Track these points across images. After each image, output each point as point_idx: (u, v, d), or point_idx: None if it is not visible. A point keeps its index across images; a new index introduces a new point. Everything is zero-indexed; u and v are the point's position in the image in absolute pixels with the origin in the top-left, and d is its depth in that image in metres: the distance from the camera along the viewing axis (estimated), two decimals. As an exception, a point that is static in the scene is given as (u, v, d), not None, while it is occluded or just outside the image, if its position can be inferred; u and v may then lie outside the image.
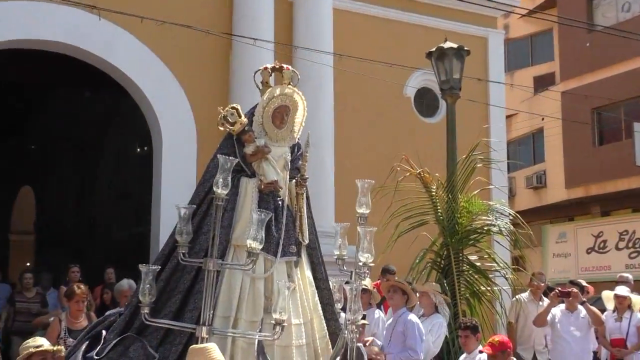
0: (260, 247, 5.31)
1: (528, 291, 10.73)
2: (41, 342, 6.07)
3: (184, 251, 5.58)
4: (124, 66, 12.40)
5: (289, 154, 6.51)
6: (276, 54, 12.14)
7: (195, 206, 6.01)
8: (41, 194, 21.82)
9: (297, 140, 6.63)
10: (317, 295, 6.44)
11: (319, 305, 6.41)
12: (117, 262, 14.83)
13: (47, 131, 19.67)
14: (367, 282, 8.51)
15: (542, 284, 10.87)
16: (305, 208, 6.48)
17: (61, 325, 8.19)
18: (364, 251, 5.66)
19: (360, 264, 5.70)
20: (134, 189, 16.31)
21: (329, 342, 6.29)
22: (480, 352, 7.61)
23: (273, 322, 5.21)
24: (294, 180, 6.48)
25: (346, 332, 5.51)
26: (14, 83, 15.94)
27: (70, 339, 7.96)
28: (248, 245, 5.28)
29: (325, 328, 6.38)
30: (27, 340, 6.17)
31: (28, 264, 20.40)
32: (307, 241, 6.45)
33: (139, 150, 17.53)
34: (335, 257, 6.05)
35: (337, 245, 6.04)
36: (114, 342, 5.86)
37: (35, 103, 18.93)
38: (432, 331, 8.38)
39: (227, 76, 12.80)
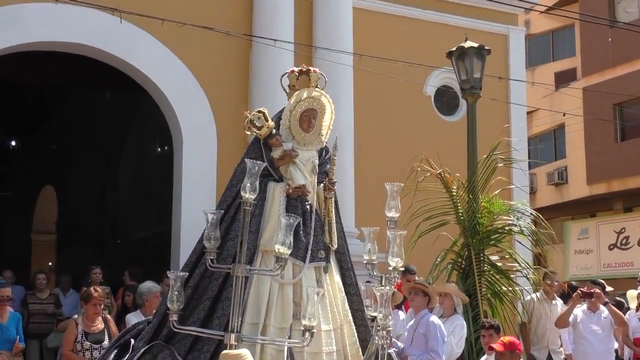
0: (289, 252, 5.26)
1: (541, 290, 10.66)
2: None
3: (212, 257, 5.50)
4: (145, 68, 12.43)
5: (317, 158, 6.42)
6: (296, 54, 12.15)
7: (223, 211, 5.92)
8: (63, 194, 21.93)
9: (325, 144, 6.55)
10: (347, 301, 6.34)
11: (349, 311, 6.31)
12: (139, 261, 14.93)
13: (69, 131, 19.79)
14: None
15: (556, 283, 10.80)
16: (334, 213, 6.38)
17: (78, 329, 8.13)
18: (394, 255, 5.59)
19: (390, 268, 5.62)
20: (155, 188, 16.39)
21: (360, 349, 6.18)
22: (490, 348, 7.56)
23: (302, 328, 5.15)
24: (322, 185, 6.39)
25: (377, 337, 5.44)
26: (35, 84, 16.06)
27: (88, 342, 8.02)
28: (276, 250, 5.22)
29: (356, 334, 6.27)
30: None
31: (50, 264, 20.57)
32: (335, 246, 6.35)
33: (159, 149, 17.62)
34: (365, 261, 5.99)
35: (367, 250, 5.97)
36: (142, 350, 5.83)
37: (56, 103, 19.07)
38: (454, 332, 8.37)
39: (247, 77, 12.82)
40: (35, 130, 20.75)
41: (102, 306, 8.48)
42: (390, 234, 5.65)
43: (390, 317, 5.43)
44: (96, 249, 19.53)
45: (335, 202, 6.46)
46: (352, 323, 6.28)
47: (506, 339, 7.34)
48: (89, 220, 20.62)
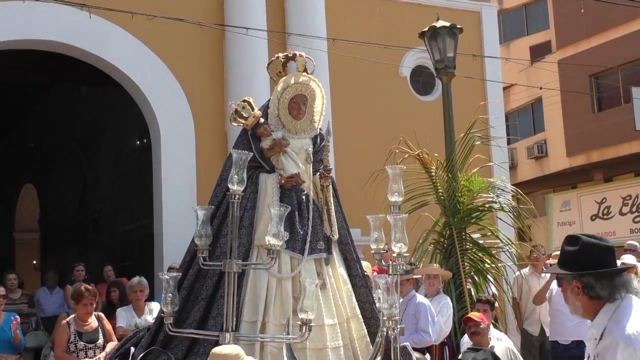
0: (280, 243, 5.06)
1: (529, 265, 10.72)
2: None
3: (204, 255, 5.25)
4: (118, 62, 12.37)
5: (311, 146, 6.12)
6: (269, 42, 12.11)
7: (212, 207, 5.69)
8: (44, 191, 21.82)
9: (319, 130, 6.21)
10: (353, 293, 6.04)
11: (357, 304, 6.01)
12: (123, 256, 14.90)
13: (46, 128, 19.67)
14: (366, 266, 8.44)
15: (543, 256, 10.86)
16: (332, 201, 6.06)
17: (70, 329, 7.98)
18: (397, 241, 5.34)
19: (395, 254, 5.38)
20: (136, 181, 16.32)
21: (369, 343, 5.88)
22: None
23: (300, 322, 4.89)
24: (318, 173, 6.08)
25: (384, 329, 5.16)
26: (9, 82, 15.92)
27: (82, 342, 7.89)
28: (267, 242, 5.03)
29: (365, 328, 5.97)
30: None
31: (34, 262, 20.47)
32: (336, 236, 6.06)
33: (138, 142, 17.54)
34: (373, 251, 5.72)
35: (373, 239, 5.66)
36: (139, 357, 5.63)
37: (32, 101, 18.93)
38: (442, 312, 8.42)
39: (221, 66, 12.78)
40: (11, 129, 20.60)
41: (94, 305, 8.31)
42: (391, 220, 5.38)
43: (396, 306, 5.14)
44: (80, 245, 19.45)
45: (335, 190, 6.20)
46: (360, 316, 5.99)
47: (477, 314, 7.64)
48: (72, 217, 20.52)
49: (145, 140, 15.27)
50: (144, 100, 12.67)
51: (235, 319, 5.24)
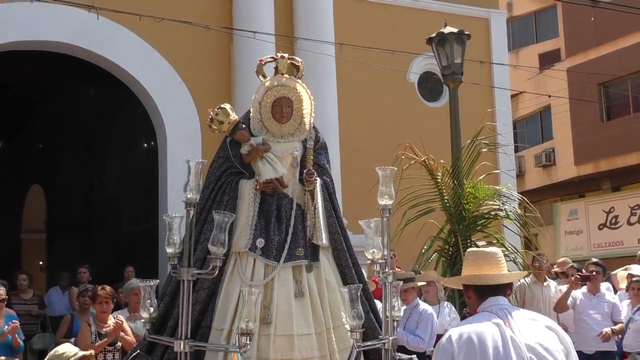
0: (223, 250, 4.86)
1: (531, 274, 10.62)
2: (74, 350, 5.79)
3: (174, 262, 5.06)
4: (125, 63, 12.41)
5: (299, 149, 5.95)
6: (277, 46, 12.10)
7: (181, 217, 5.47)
8: (51, 192, 21.86)
9: (311, 133, 6.02)
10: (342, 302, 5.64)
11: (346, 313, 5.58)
12: (128, 258, 14.86)
13: (54, 129, 19.70)
14: None
15: (545, 265, 10.75)
16: (320, 206, 5.79)
17: (91, 329, 7.91)
18: (370, 247, 5.11)
19: (368, 261, 5.15)
20: (142, 183, 16.34)
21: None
22: None
23: (266, 333, 4.77)
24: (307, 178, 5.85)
25: (354, 341, 4.93)
26: (17, 83, 15.96)
27: None
28: (211, 250, 4.86)
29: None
30: (57, 349, 5.85)
31: (41, 263, 20.49)
32: (323, 242, 5.77)
33: (145, 144, 17.55)
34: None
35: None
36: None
37: (39, 102, 18.97)
38: (457, 319, 8.38)
39: (228, 69, 12.79)
40: (19, 129, 20.65)
41: (111, 304, 8.22)
42: (363, 224, 5.16)
43: (361, 317, 4.86)
44: (86, 246, 19.46)
45: (330, 194, 5.99)
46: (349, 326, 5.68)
47: None
48: (78, 218, 20.54)
49: (152, 142, 15.28)
50: (150, 102, 12.69)
51: (191, 325, 5.04)
